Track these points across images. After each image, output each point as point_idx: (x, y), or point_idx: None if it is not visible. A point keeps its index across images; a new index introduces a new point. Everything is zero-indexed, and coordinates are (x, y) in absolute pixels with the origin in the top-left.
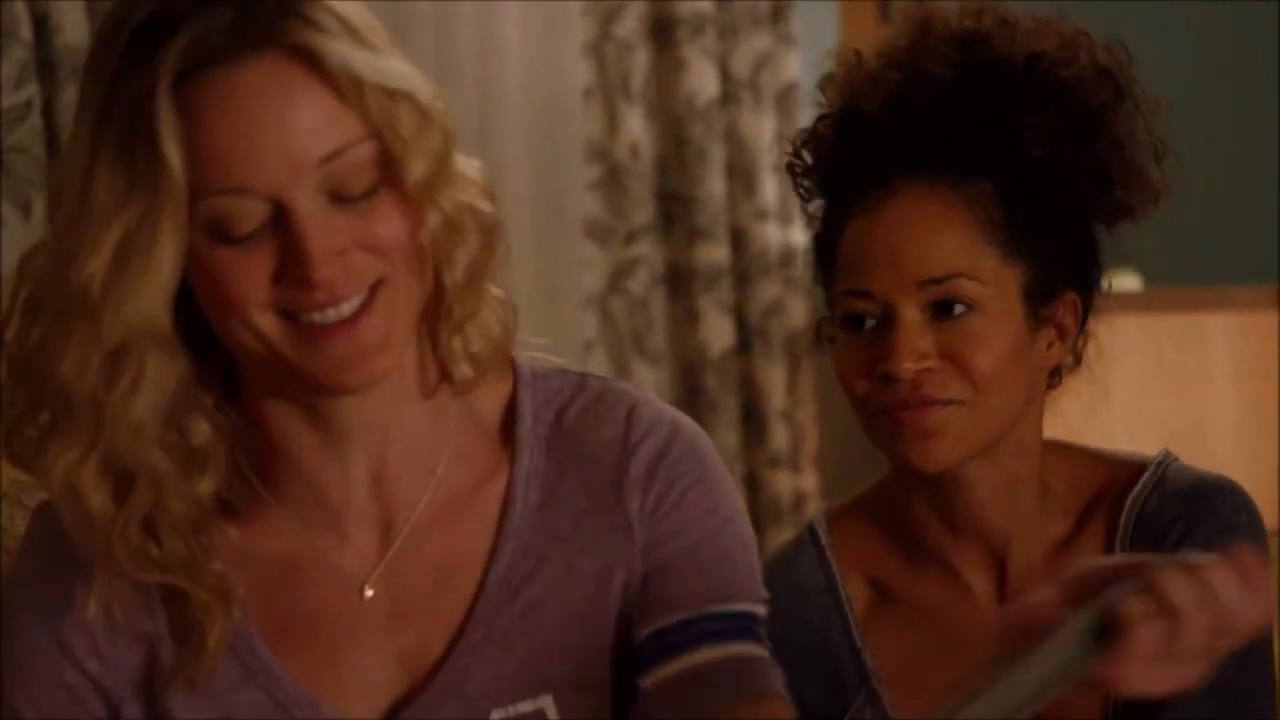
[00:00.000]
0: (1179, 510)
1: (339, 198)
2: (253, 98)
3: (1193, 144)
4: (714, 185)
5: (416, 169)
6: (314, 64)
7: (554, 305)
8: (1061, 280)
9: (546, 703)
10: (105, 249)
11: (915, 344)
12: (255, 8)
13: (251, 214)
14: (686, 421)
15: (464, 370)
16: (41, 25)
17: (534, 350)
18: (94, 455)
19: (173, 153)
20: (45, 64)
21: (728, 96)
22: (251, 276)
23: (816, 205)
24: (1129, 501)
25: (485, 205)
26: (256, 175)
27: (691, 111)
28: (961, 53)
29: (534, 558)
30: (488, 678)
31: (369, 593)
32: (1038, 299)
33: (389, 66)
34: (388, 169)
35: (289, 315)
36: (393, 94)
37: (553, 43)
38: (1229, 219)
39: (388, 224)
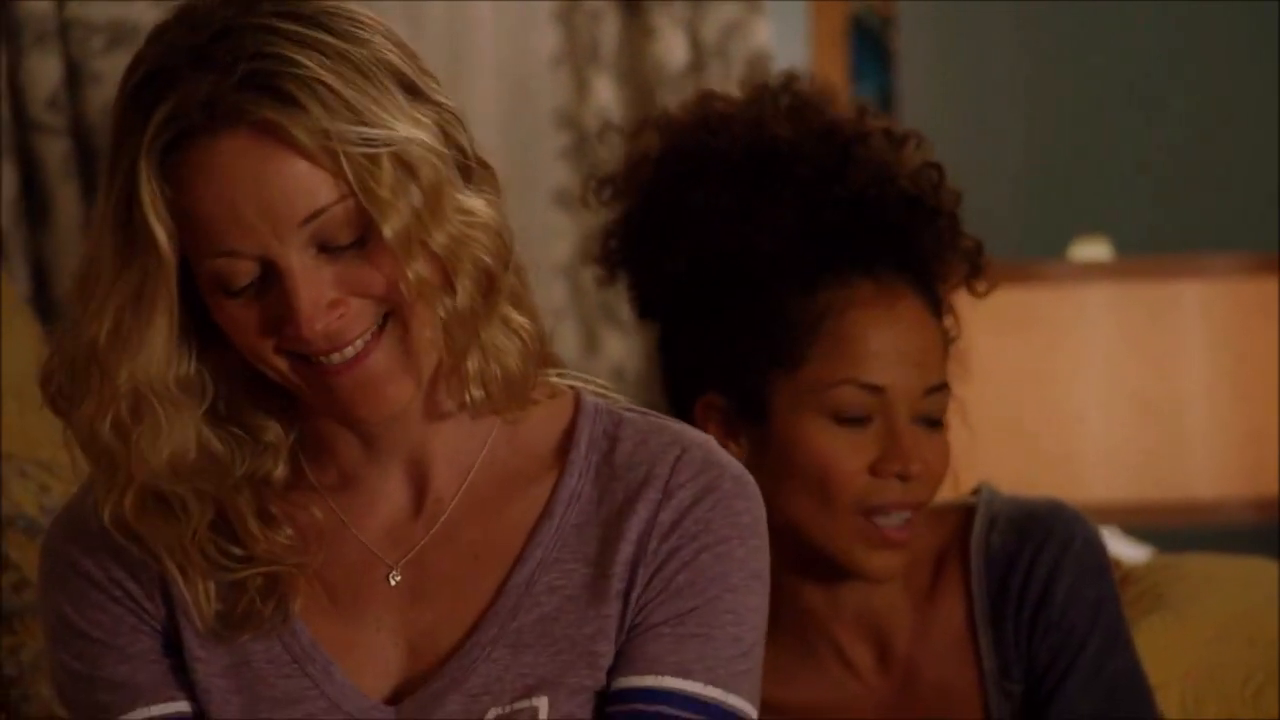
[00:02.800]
0: (1018, 539)
1: (328, 248)
2: (230, 167)
3: (1163, 113)
4: None
5: (392, 224)
6: (287, 137)
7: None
8: None
9: (541, 703)
10: (107, 312)
11: (921, 445)
12: (226, 82)
13: (245, 272)
14: (732, 475)
15: (475, 394)
16: None
17: (569, 379)
18: (131, 491)
19: (156, 223)
20: (9, 29)
21: (697, 64)
22: (254, 326)
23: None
24: (973, 545)
25: (487, 243)
26: (242, 240)
27: (661, 79)
28: (896, 152)
29: (557, 572)
30: (491, 677)
31: (395, 578)
32: None
33: (370, 134)
34: (371, 223)
35: (300, 357)
36: (372, 155)
37: (522, 10)
38: (1199, 187)
39: (379, 273)
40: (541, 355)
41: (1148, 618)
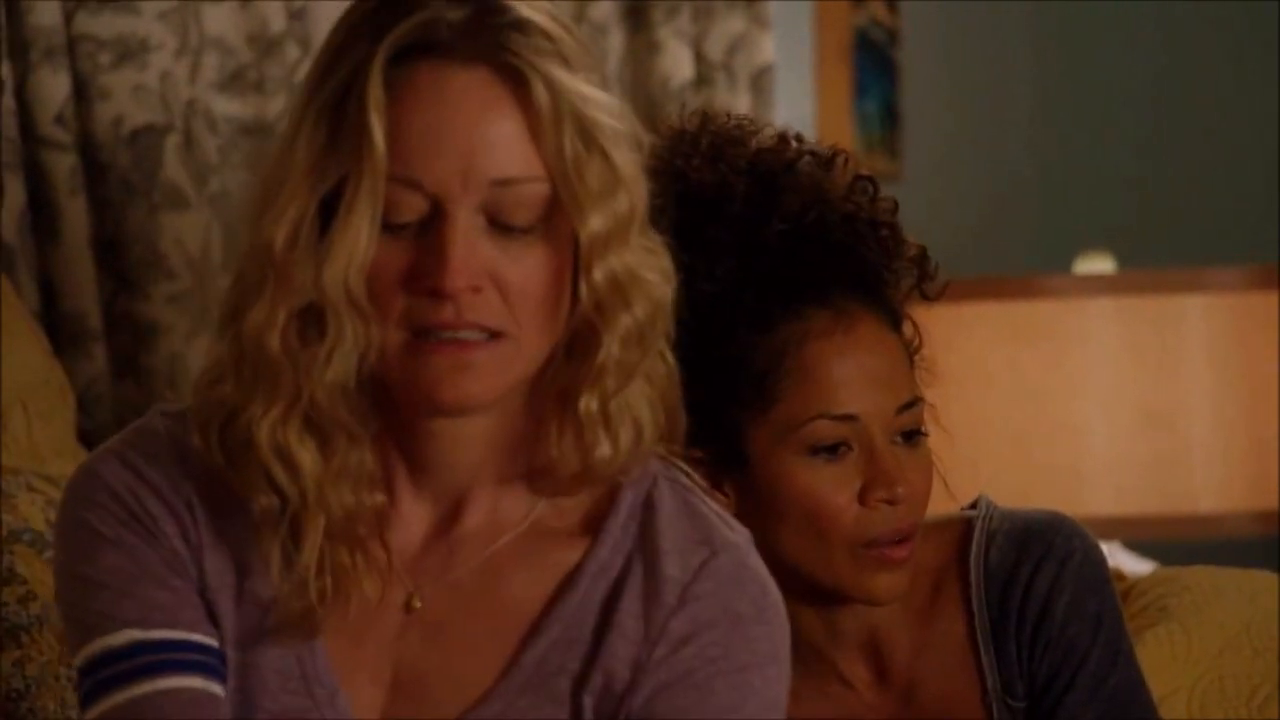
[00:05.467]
0: (1018, 553)
1: (497, 224)
2: (457, 99)
3: (1168, 129)
4: None
5: (593, 223)
6: (522, 88)
7: None
8: None
9: None
10: (298, 209)
11: (903, 468)
12: (490, 17)
13: (414, 207)
14: (754, 596)
15: (604, 449)
16: (13, 6)
17: None
18: (296, 412)
19: (376, 123)
20: (17, 44)
21: (702, 79)
22: (396, 274)
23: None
24: (972, 561)
25: (657, 286)
26: (430, 174)
27: (666, 94)
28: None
29: (570, 653)
30: None
31: (417, 604)
32: None
33: (597, 98)
34: (553, 216)
35: (417, 333)
36: (589, 140)
37: None
38: (1202, 201)
39: (530, 269)
40: (669, 431)
41: (1152, 630)
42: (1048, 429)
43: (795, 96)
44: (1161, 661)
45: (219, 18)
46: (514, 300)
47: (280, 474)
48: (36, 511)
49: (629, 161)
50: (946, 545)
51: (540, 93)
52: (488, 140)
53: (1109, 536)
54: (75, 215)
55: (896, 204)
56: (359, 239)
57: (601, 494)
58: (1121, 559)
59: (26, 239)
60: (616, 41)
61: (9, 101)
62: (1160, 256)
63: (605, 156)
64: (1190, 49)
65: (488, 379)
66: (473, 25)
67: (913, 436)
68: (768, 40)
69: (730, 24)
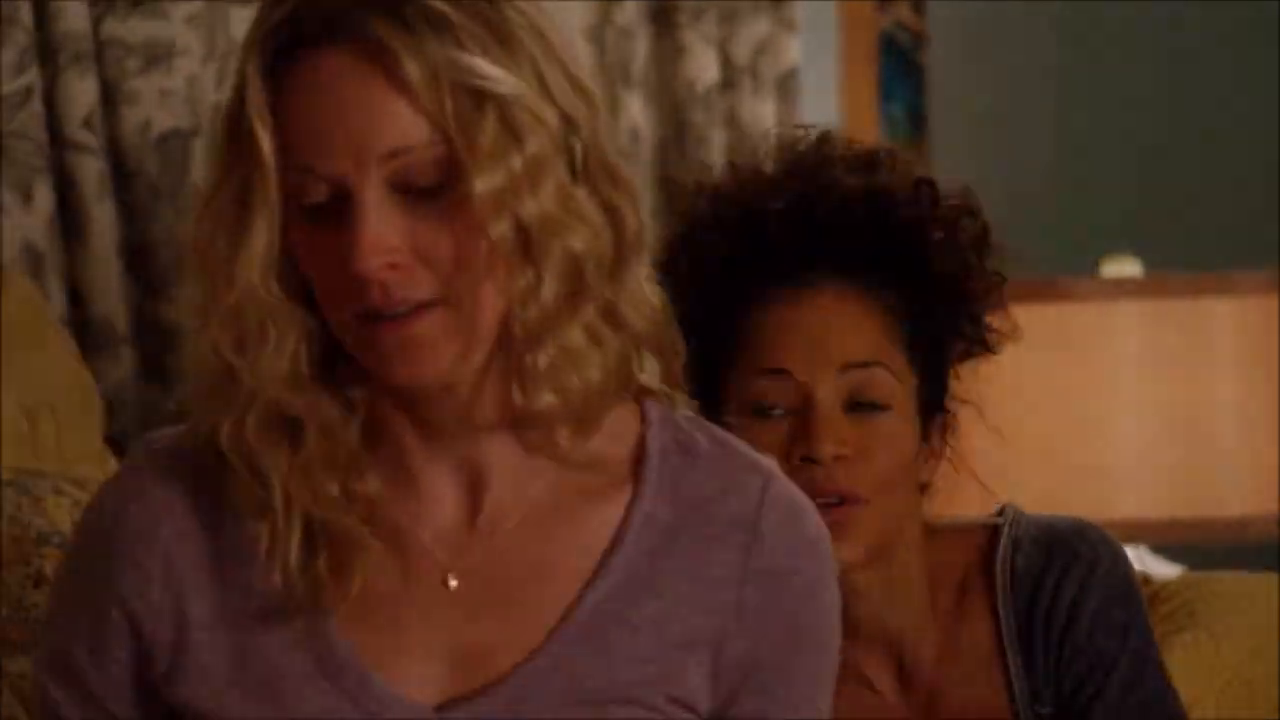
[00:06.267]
0: (1044, 560)
1: (405, 189)
2: (330, 84)
3: (1194, 131)
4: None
5: (485, 179)
6: (394, 62)
7: None
8: (939, 399)
9: None
10: (212, 215)
11: (836, 428)
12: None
13: (320, 190)
14: (815, 518)
15: (547, 399)
16: (41, 10)
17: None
18: (253, 413)
19: (260, 128)
20: (46, 49)
21: (728, 82)
22: (329, 259)
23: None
24: (998, 566)
25: (585, 243)
26: (322, 159)
27: (692, 97)
28: (863, 171)
29: (626, 602)
30: (548, 707)
31: (453, 583)
32: (925, 412)
33: (480, 67)
34: (458, 176)
35: (359, 315)
36: (479, 100)
37: None
38: (1230, 203)
39: (448, 235)
40: (625, 379)
41: (1179, 635)
42: (1074, 432)
43: (820, 100)
44: (1189, 667)
45: (246, 22)
46: (441, 266)
47: (247, 475)
48: (64, 515)
49: (531, 113)
50: (971, 550)
51: (409, 65)
52: (371, 116)
53: (1136, 540)
54: (103, 220)
55: (959, 214)
56: (260, 239)
57: (631, 443)
58: (1149, 563)
59: (54, 243)
60: (642, 44)
61: (37, 106)
62: (1187, 259)
63: (501, 108)
64: (1218, 51)
65: (438, 349)
66: (336, 10)
67: (866, 408)
68: (793, 43)
69: (756, 27)
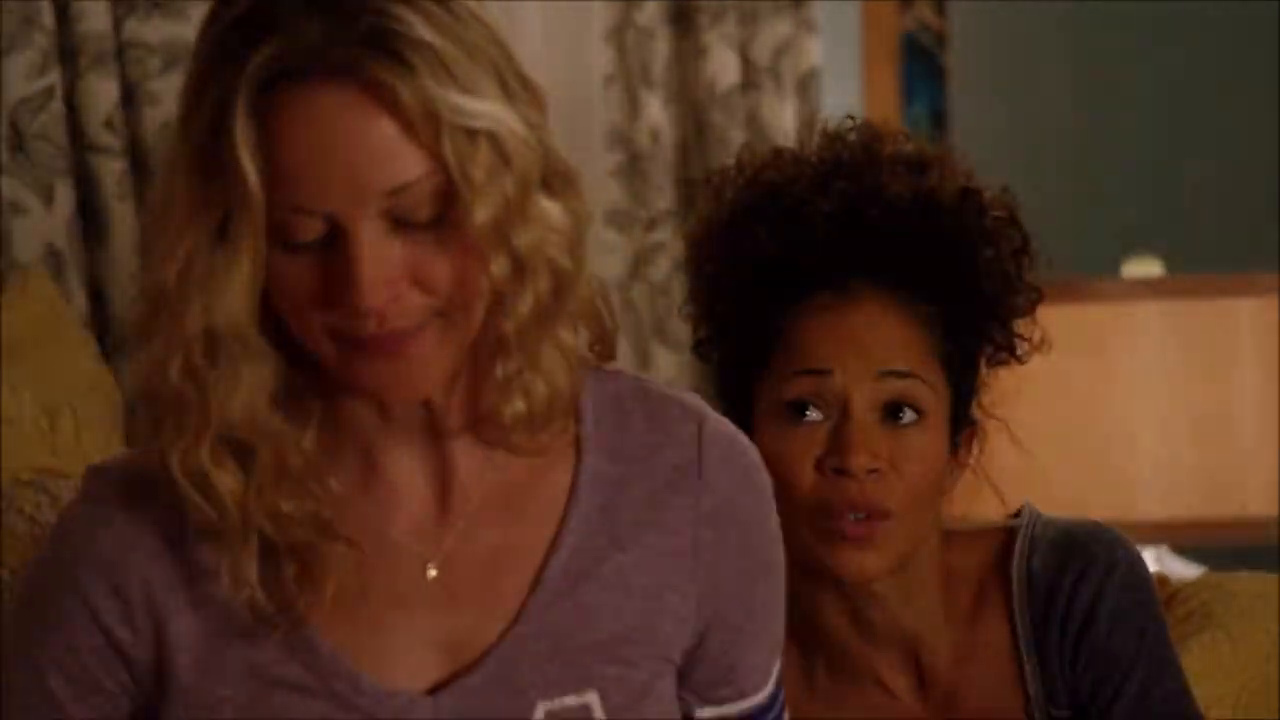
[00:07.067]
0: (1060, 563)
1: (402, 222)
2: (328, 121)
3: (1215, 132)
4: None
5: (481, 212)
6: (392, 99)
7: None
8: (968, 413)
9: (592, 699)
10: (180, 251)
11: (871, 440)
12: (344, 32)
13: (310, 228)
14: (750, 446)
15: (516, 406)
16: (63, 12)
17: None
18: (207, 436)
19: (248, 161)
20: (67, 50)
21: (748, 83)
22: (307, 292)
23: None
24: (1014, 568)
25: (561, 253)
26: (319, 197)
27: (712, 98)
28: (911, 174)
29: (591, 558)
30: (535, 670)
31: (432, 572)
32: (955, 426)
33: (473, 107)
34: (455, 204)
35: (344, 342)
36: (472, 135)
37: (573, 30)
38: (1251, 204)
39: (445, 262)
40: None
41: (1197, 637)
42: (1095, 432)
43: (842, 101)
44: (1206, 669)
45: None
46: (437, 289)
47: (199, 500)
48: None
49: (516, 136)
50: (988, 552)
51: (407, 101)
52: (369, 153)
53: (1158, 541)
54: (124, 220)
55: (998, 224)
56: (243, 274)
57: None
58: (1170, 564)
59: (76, 244)
60: (663, 45)
61: (59, 107)
62: (1209, 260)
63: (492, 138)
64: (1240, 51)
65: (430, 367)
66: (331, 40)
67: (899, 414)
68: (815, 44)
69: (777, 27)
